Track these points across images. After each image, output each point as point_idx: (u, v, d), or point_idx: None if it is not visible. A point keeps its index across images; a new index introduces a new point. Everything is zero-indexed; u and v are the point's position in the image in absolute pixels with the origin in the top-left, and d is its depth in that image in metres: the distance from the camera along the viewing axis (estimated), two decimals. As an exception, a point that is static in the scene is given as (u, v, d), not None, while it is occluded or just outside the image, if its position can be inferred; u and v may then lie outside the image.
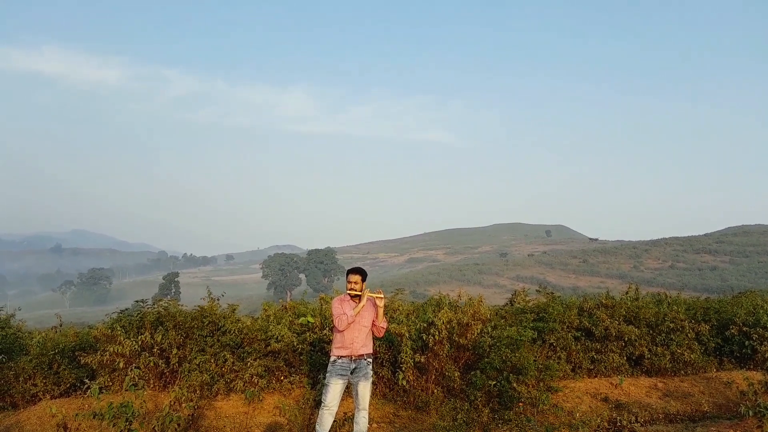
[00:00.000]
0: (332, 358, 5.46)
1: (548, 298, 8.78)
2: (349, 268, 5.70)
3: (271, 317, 7.75)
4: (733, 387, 7.49)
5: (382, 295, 5.57)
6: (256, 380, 6.68)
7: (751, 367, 8.41)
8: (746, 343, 8.45)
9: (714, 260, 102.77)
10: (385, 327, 5.66)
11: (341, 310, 5.42)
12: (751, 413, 5.83)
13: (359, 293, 5.48)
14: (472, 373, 6.86)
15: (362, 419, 5.42)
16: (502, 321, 7.89)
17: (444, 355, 7.03)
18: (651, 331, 8.34)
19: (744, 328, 8.51)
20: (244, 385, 6.66)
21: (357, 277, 5.50)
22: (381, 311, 5.52)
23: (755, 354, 8.44)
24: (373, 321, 5.56)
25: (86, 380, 6.54)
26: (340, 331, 5.44)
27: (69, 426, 6.01)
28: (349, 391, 5.65)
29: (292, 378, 6.95)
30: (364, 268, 5.79)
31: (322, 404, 5.37)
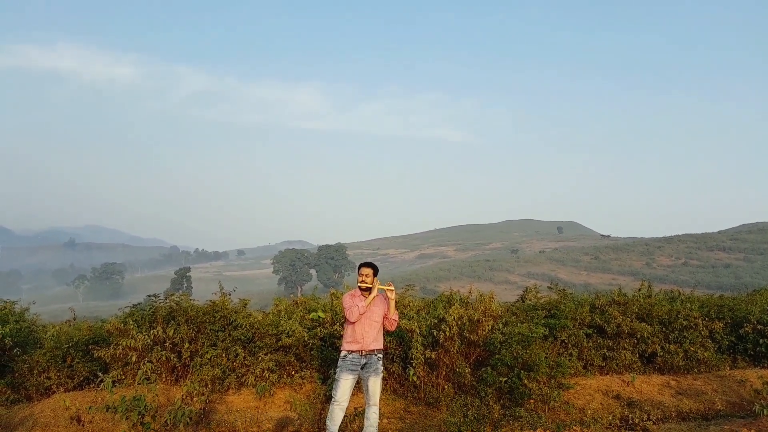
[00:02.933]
0: (343, 353, 5.47)
1: (560, 294, 8.73)
2: (361, 262, 5.71)
3: (282, 312, 7.78)
4: (747, 385, 7.41)
5: (392, 288, 5.58)
6: (267, 375, 6.71)
7: (766, 365, 8.32)
8: (761, 341, 8.36)
9: (728, 257, 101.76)
10: (396, 320, 5.66)
11: (352, 303, 5.45)
12: (765, 412, 5.78)
13: (370, 286, 5.49)
14: (483, 369, 6.85)
15: (373, 414, 5.42)
16: (513, 317, 7.86)
17: (455, 351, 7.02)
18: (664, 329, 8.28)
19: (758, 327, 8.42)
20: (255, 379, 6.70)
21: (369, 270, 5.52)
22: (392, 303, 5.54)
23: (770, 352, 8.36)
24: (385, 314, 5.57)
25: (99, 374, 6.60)
26: (351, 324, 5.44)
27: (82, 419, 6.08)
28: (359, 387, 5.66)
29: (302, 373, 6.97)
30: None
31: (333, 399, 5.38)
